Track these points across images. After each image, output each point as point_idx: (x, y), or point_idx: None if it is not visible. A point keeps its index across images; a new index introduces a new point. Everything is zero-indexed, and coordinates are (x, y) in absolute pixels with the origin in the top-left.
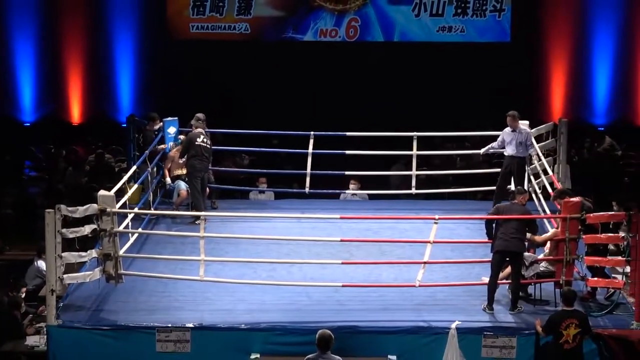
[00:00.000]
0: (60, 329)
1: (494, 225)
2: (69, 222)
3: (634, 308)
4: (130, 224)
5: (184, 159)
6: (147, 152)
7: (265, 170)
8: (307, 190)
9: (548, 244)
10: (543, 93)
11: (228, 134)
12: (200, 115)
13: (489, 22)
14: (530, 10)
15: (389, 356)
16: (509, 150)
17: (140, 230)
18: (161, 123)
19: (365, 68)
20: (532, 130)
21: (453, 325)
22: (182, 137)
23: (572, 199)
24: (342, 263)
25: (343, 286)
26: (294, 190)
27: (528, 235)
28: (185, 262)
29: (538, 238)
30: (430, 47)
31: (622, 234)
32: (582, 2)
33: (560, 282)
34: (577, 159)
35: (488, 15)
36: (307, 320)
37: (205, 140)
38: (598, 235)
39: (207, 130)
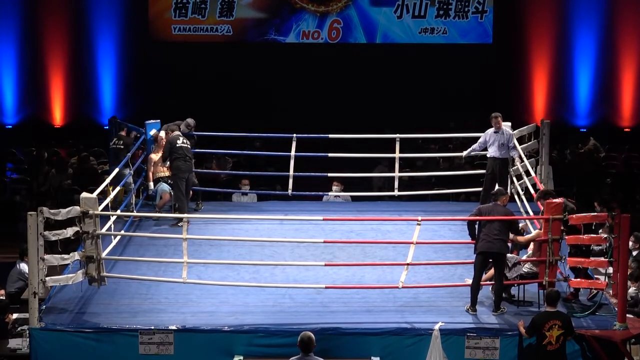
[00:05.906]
0: (43, 331)
1: (476, 226)
2: (51, 224)
3: (616, 309)
4: (112, 226)
5: (167, 163)
6: (129, 155)
7: (248, 172)
8: (290, 192)
9: (532, 245)
10: (525, 94)
11: (210, 136)
12: (190, 121)
13: (471, 23)
14: (512, 12)
15: (372, 357)
16: (491, 152)
17: (122, 232)
18: (135, 133)
19: (347, 70)
20: (514, 132)
21: (436, 327)
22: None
23: (554, 200)
24: (325, 265)
25: (326, 288)
26: (277, 192)
27: (511, 236)
28: (168, 265)
29: (521, 239)
30: (412, 48)
31: (604, 235)
32: (563, 4)
33: (544, 283)
34: (558, 160)
35: (470, 17)
36: (290, 322)
37: (185, 141)
38: (580, 236)
39: (193, 133)
